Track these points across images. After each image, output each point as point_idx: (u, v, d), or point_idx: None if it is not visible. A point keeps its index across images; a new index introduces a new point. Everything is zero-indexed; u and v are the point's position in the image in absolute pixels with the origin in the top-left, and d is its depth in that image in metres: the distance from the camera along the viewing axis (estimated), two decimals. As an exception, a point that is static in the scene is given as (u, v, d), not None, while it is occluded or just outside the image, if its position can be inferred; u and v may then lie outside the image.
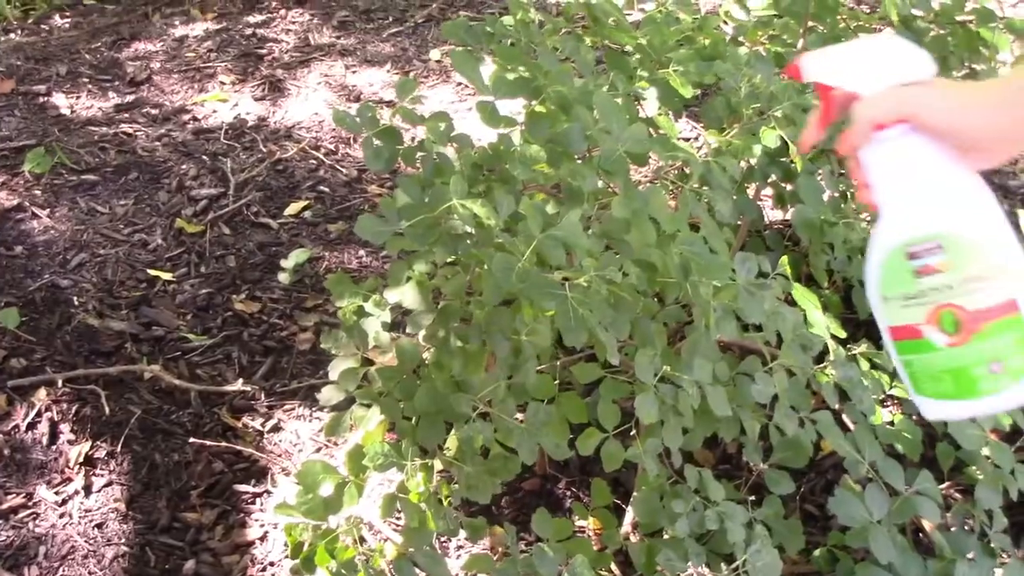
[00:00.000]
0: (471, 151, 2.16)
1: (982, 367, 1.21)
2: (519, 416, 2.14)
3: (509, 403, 2.12)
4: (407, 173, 2.16)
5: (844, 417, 2.61)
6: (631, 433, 2.24)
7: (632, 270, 1.99)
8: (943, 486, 2.72)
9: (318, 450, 3.09)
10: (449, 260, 2.25)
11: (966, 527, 2.49)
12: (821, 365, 2.50)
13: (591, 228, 2.07)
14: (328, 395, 2.33)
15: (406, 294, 2.25)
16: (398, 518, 2.69)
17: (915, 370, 1.29)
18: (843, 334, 2.61)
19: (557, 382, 2.28)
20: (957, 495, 2.81)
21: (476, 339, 2.08)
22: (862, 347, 2.60)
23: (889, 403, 2.98)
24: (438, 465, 2.21)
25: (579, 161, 2.20)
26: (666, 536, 2.32)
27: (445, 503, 2.22)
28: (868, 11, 3.53)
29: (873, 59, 1.26)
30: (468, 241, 1.98)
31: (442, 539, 2.78)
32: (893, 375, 2.61)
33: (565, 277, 1.90)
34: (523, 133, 2.21)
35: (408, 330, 2.27)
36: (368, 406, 2.29)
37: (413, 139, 2.59)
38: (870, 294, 1.30)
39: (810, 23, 3.19)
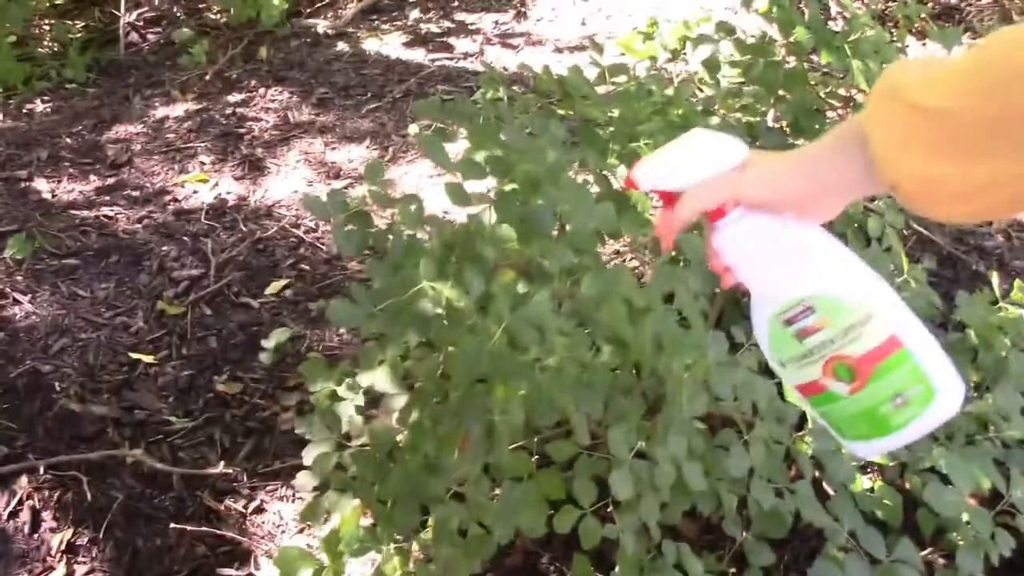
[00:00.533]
0: (444, 230, 2.18)
1: (887, 404, 1.29)
2: (499, 492, 2.15)
3: (483, 483, 2.12)
4: (378, 257, 2.17)
5: (824, 485, 2.61)
6: (609, 509, 2.24)
7: (604, 348, 2.00)
8: (925, 552, 2.71)
9: (301, 531, 3.07)
10: (421, 342, 2.26)
11: (949, 593, 2.49)
12: (800, 434, 2.50)
13: (563, 305, 2.08)
14: (303, 480, 2.33)
15: (378, 377, 2.26)
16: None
17: (832, 419, 1.36)
18: (820, 402, 2.61)
19: (535, 458, 2.28)
20: (941, 560, 2.80)
21: (449, 420, 2.08)
22: (840, 414, 2.60)
23: (869, 470, 2.98)
24: (416, 547, 2.21)
25: (551, 237, 2.22)
26: (648, 611, 2.31)
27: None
28: (841, 76, 3.56)
29: (692, 156, 1.32)
30: (440, 323, 1.99)
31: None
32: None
33: (536, 358, 1.90)
34: (495, 211, 2.23)
35: (381, 413, 2.27)
36: (343, 490, 2.29)
37: (392, 216, 2.61)
38: (770, 362, 1.38)
39: (780, 92, 3.22)
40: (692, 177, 1.30)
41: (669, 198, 1.34)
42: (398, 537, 2.20)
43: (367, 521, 2.30)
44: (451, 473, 2.12)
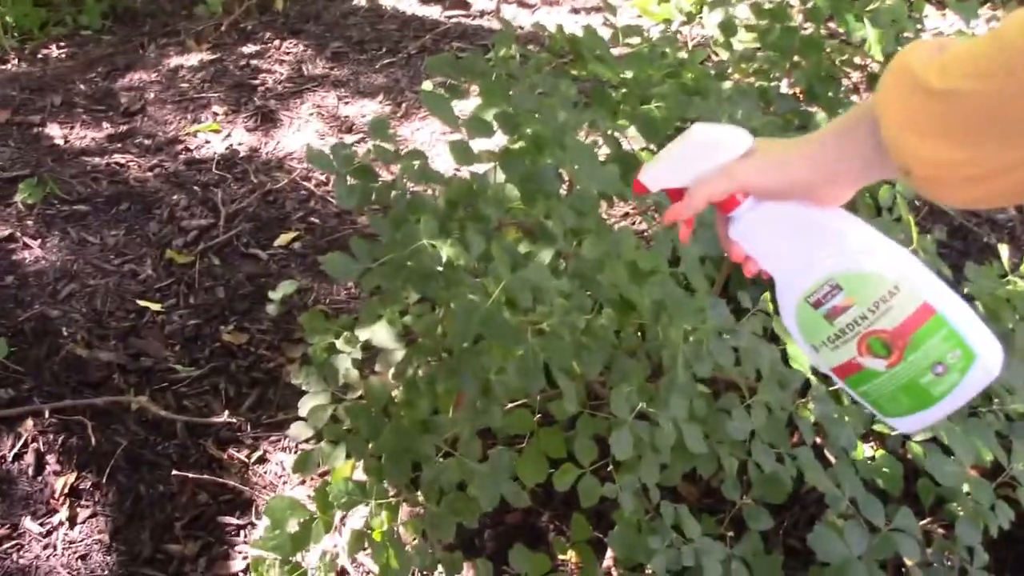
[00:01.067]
0: (448, 187, 2.17)
1: (927, 374, 1.26)
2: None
3: (474, 445, 2.12)
4: (380, 211, 2.16)
5: (826, 452, 2.61)
6: (609, 468, 2.24)
7: (604, 310, 1.99)
8: (924, 522, 2.72)
9: (303, 482, 3.08)
10: (421, 298, 2.26)
11: (947, 563, 2.49)
12: (803, 400, 2.50)
13: (566, 266, 2.08)
14: (297, 431, 2.34)
15: (376, 332, 2.26)
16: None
17: (873, 398, 1.33)
18: (824, 369, 2.61)
19: (538, 416, 2.28)
20: (940, 530, 2.81)
21: (445, 378, 2.08)
22: (844, 382, 2.60)
23: (871, 439, 2.98)
24: (405, 503, 2.21)
25: (557, 197, 2.21)
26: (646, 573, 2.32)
27: (412, 540, 2.22)
28: (857, 44, 3.54)
29: (696, 149, 1.31)
30: (439, 281, 1.98)
31: (424, 573, 2.78)
32: (874, 410, 2.62)
33: (532, 321, 1.90)
34: (501, 169, 2.22)
35: (378, 368, 2.27)
36: (337, 443, 2.30)
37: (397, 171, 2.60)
38: (802, 348, 1.36)
39: (796, 58, 3.21)
40: (699, 171, 1.30)
41: (679, 196, 1.34)
42: (389, 492, 2.20)
43: (361, 474, 2.31)
44: (444, 431, 2.12)
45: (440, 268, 1.99)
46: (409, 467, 2.18)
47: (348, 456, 2.31)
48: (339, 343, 2.28)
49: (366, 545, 2.15)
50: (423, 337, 2.21)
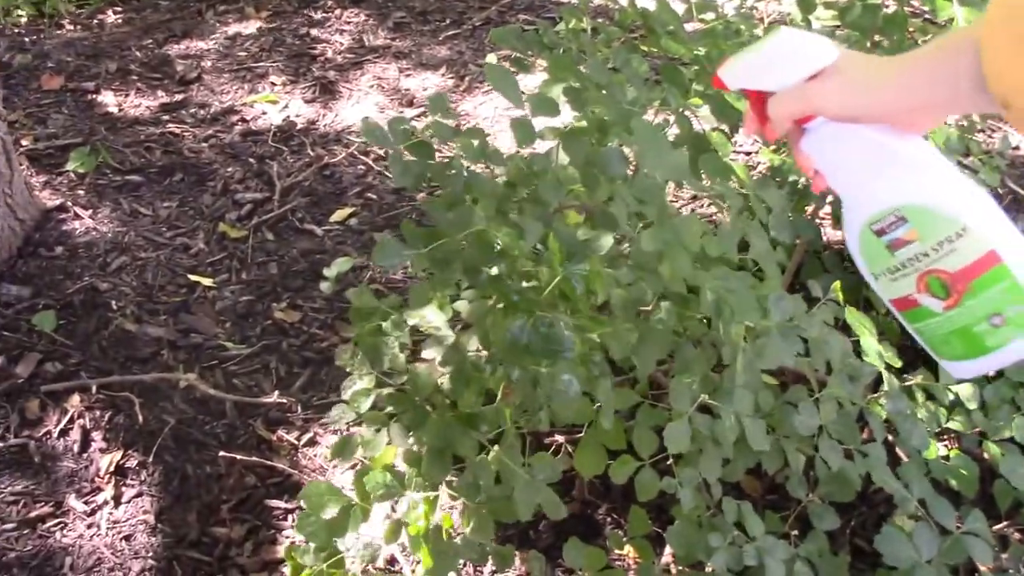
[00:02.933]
0: (508, 168, 2.16)
1: (983, 323, 1.26)
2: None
3: (516, 447, 2.11)
4: (435, 191, 2.15)
5: (897, 450, 2.59)
6: (670, 461, 2.23)
7: (662, 304, 1.98)
8: (1000, 526, 2.69)
9: (354, 466, 3.09)
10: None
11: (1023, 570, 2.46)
12: (875, 395, 2.48)
13: (628, 249, 2.06)
14: (337, 414, 2.34)
15: (425, 317, 2.25)
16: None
17: (927, 337, 1.33)
18: (899, 363, 2.58)
19: (596, 405, 2.28)
20: (1016, 535, 2.77)
21: (493, 368, 2.07)
22: (919, 377, 2.57)
23: (945, 437, 2.95)
24: (446, 496, 2.21)
25: (623, 180, 2.19)
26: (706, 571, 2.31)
27: (461, 531, 2.22)
28: (942, 24, 3.49)
29: (780, 56, 1.29)
30: (493, 269, 1.95)
31: (474, 566, 2.78)
32: (951, 408, 2.59)
33: (582, 326, 1.88)
34: (563, 150, 2.20)
35: (425, 354, 2.26)
36: (378, 429, 2.30)
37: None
38: (864, 274, 1.35)
39: (876, 37, 3.17)
40: (780, 79, 1.28)
41: (757, 98, 1.34)
42: (427, 485, 2.19)
43: (401, 462, 2.31)
44: (490, 426, 2.11)
45: (495, 254, 1.96)
46: (450, 463, 2.17)
47: (389, 444, 2.30)
48: (386, 325, 2.27)
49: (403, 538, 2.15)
50: (474, 325, 2.20)
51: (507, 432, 2.11)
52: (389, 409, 2.29)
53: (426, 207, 2.02)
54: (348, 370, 2.35)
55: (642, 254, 2.02)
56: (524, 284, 1.88)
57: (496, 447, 2.13)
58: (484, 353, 2.14)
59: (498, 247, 1.91)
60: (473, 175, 2.12)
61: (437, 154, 2.18)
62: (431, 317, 2.24)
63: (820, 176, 1.32)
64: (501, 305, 1.96)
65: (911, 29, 3.28)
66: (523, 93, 2.22)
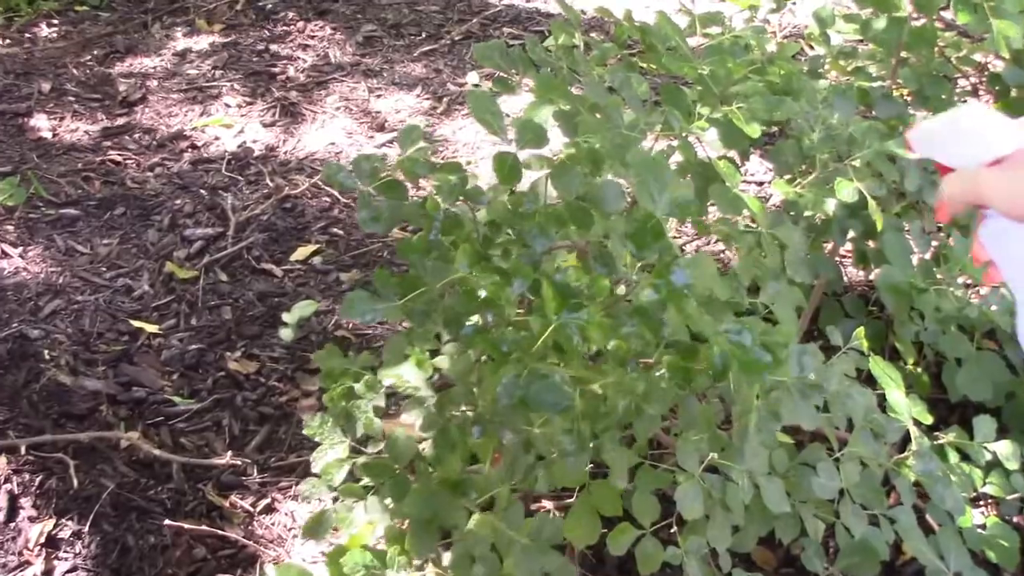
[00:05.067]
0: (490, 208, 2.15)
1: None
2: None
3: (513, 511, 2.11)
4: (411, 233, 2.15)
5: (928, 517, 2.60)
6: (672, 530, 2.24)
7: (665, 357, 1.98)
8: (1044, 602, 2.69)
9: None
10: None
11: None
12: (903, 455, 2.48)
13: (630, 297, 2.06)
14: (308, 489, 2.33)
15: (402, 376, 2.25)
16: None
17: None
18: (929, 419, 2.59)
19: (589, 466, 2.28)
20: (1062, 612, 2.78)
21: (481, 430, 2.07)
22: (951, 435, 2.58)
23: (982, 502, 2.96)
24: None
25: (619, 217, 2.19)
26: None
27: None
28: (973, 41, 3.52)
29: (962, 133, 1.32)
30: (475, 320, 1.95)
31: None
32: (988, 469, 2.60)
33: (581, 377, 1.88)
34: (552, 184, 2.20)
35: (404, 417, 2.26)
36: (355, 502, 2.30)
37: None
38: None
39: (903, 54, 3.19)
40: (958, 157, 1.32)
41: (942, 169, 1.37)
42: (412, 563, 2.19)
43: (380, 532, 2.31)
44: (479, 493, 2.11)
45: (478, 303, 1.96)
46: (437, 535, 2.17)
47: (367, 519, 2.30)
48: (359, 387, 2.27)
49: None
50: (457, 383, 2.20)
51: (501, 495, 2.11)
52: (365, 480, 2.29)
53: (400, 250, 2.02)
54: (317, 438, 2.35)
55: (644, 300, 2.01)
56: (513, 335, 1.88)
57: (485, 514, 2.13)
58: (469, 413, 2.14)
59: (482, 295, 1.90)
60: (451, 216, 2.11)
61: (412, 189, 2.18)
62: (409, 376, 2.24)
63: (994, 268, 1.33)
64: (487, 359, 1.96)
65: (941, 44, 3.31)
66: (508, 117, 2.23)
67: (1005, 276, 1.32)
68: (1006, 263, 1.31)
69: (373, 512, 2.26)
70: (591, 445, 1.97)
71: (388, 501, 2.24)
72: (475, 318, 1.93)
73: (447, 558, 2.24)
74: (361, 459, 2.29)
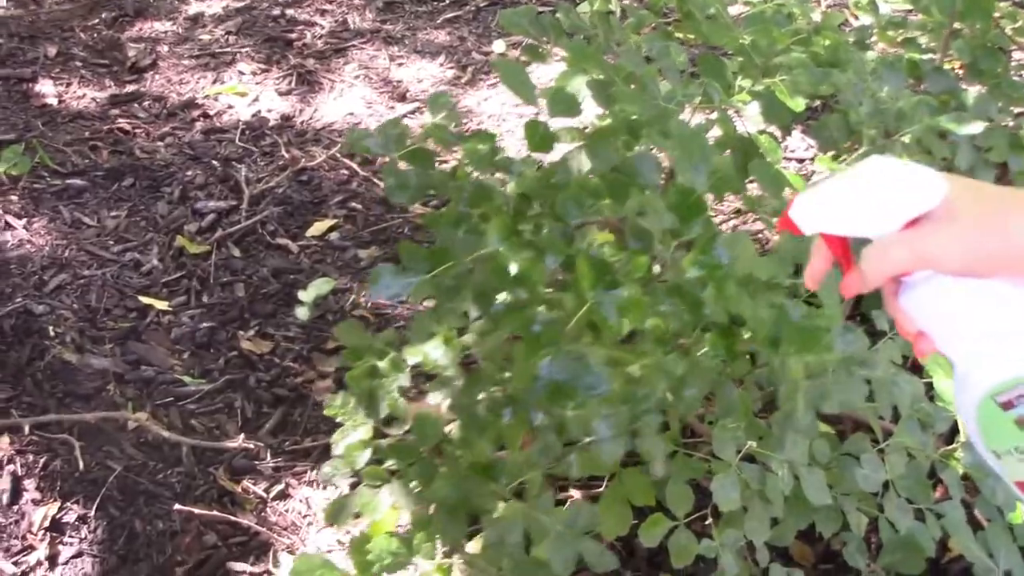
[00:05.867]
0: (521, 178, 2.15)
1: None
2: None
3: (547, 497, 2.11)
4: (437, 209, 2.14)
5: (976, 512, 2.59)
6: (707, 521, 2.24)
7: (707, 336, 1.97)
8: (1098, 602, 2.68)
9: (332, 524, 3.08)
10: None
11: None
12: (951, 447, 2.48)
13: (664, 273, 2.06)
14: (329, 472, 2.33)
15: (429, 354, 2.24)
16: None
17: None
18: (979, 409, 2.58)
19: (620, 453, 2.28)
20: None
21: (511, 411, 2.06)
22: (1002, 426, 2.57)
23: (1034, 497, 2.94)
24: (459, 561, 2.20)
25: (654, 190, 2.19)
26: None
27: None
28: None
29: (873, 194, 1.24)
30: (507, 301, 1.94)
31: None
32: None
33: (617, 358, 1.88)
34: (586, 155, 2.19)
35: (430, 398, 2.26)
36: (378, 487, 2.29)
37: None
38: (979, 449, 1.28)
39: (956, 25, 3.18)
40: (876, 224, 1.22)
41: (840, 245, 1.28)
42: (440, 550, 2.18)
43: (405, 519, 2.30)
44: (509, 479, 2.11)
45: (511, 280, 1.95)
46: (466, 521, 2.16)
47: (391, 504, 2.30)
48: (383, 366, 2.26)
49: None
50: (485, 361, 2.20)
51: (532, 481, 2.11)
52: (389, 463, 2.28)
53: (428, 223, 2.00)
54: (339, 419, 2.34)
55: (682, 279, 2.01)
56: (546, 315, 1.87)
57: (517, 497, 2.13)
58: (498, 395, 2.13)
59: (513, 271, 1.90)
60: (481, 186, 2.11)
61: (437, 160, 2.17)
62: (436, 355, 2.24)
63: (925, 338, 1.27)
64: (518, 339, 1.96)
65: (996, 15, 3.29)
66: (537, 88, 2.22)
67: (939, 344, 1.25)
68: (940, 329, 1.24)
69: (397, 496, 2.26)
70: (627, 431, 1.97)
71: (414, 485, 2.24)
72: (505, 294, 1.92)
73: (471, 545, 2.24)
74: (385, 441, 2.29)
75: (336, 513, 2.35)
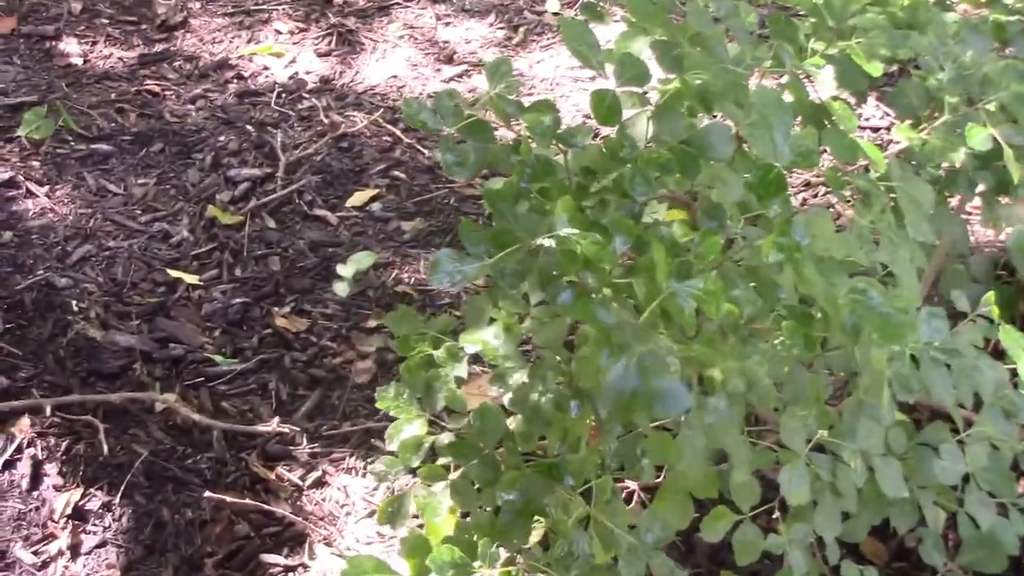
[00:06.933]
0: (585, 152, 2.12)
1: None
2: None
3: (616, 503, 2.10)
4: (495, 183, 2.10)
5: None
6: (774, 515, 2.23)
7: (784, 323, 1.96)
8: None
9: (372, 514, 3.08)
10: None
11: None
12: (1035, 437, 2.46)
13: (738, 255, 2.04)
14: (382, 469, 2.32)
15: (488, 341, 2.23)
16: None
17: None
18: (1067, 397, 2.57)
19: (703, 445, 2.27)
20: None
21: (579, 407, 2.05)
22: (1092, 416, 2.55)
23: None
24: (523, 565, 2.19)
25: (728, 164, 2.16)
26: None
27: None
28: None
29: None
30: (572, 281, 1.92)
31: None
32: None
33: (692, 359, 1.87)
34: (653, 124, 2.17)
35: (491, 390, 2.24)
36: (434, 484, 2.28)
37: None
38: None
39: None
40: None
41: None
42: (502, 556, 2.17)
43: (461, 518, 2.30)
44: (575, 480, 2.10)
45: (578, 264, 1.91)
46: (531, 524, 2.15)
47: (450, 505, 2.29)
48: (439, 355, 2.25)
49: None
50: (548, 349, 2.18)
51: (602, 486, 2.10)
52: (443, 461, 2.27)
53: (488, 198, 1.98)
54: (392, 412, 2.33)
55: (759, 261, 1.98)
56: (615, 304, 1.86)
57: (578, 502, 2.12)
58: (561, 387, 2.12)
59: (581, 255, 1.87)
60: (543, 161, 2.08)
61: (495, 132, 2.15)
62: (495, 343, 2.22)
63: None
64: (584, 329, 1.95)
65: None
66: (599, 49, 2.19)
67: None
68: None
69: (457, 497, 2.25)
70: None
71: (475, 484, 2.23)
72: (569, 280, 1.90)
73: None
74: (443, 436, 2.28)
75: (392, 514, 2.34)
